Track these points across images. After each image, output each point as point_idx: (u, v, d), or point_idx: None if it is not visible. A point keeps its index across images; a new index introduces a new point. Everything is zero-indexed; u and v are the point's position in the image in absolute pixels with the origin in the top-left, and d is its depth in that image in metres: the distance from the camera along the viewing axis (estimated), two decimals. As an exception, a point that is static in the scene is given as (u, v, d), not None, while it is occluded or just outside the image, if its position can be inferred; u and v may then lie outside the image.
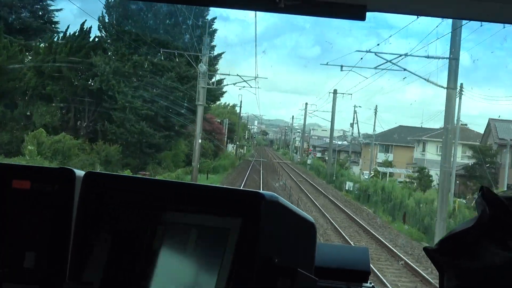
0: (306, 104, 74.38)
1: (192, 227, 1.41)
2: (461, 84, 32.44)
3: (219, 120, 55.26)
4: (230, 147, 62.41)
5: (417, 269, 15.79)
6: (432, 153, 52.24)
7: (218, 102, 63.60)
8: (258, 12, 23.74)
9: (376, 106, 53.43)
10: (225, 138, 56.83)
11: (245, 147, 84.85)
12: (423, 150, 54.89)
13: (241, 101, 70.16)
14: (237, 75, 31.36)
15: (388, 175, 50.45)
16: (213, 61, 34.88)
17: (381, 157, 58.02)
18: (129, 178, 1.57)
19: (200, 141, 26.82)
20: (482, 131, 44.90)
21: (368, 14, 1.46)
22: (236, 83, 29.58)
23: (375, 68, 25.42)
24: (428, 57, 22.62)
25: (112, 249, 1.46)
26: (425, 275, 14.96)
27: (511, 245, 1.23)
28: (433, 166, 44.69)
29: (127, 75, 32.55)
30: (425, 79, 22.57)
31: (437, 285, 1.24)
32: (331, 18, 1.48)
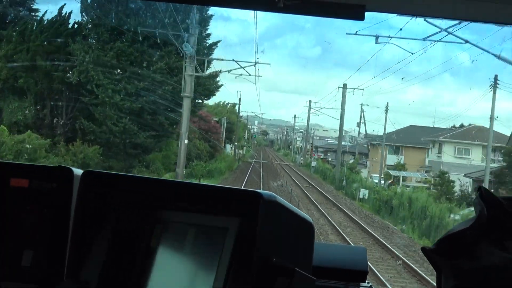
0: (310, 102, 74.29)
1: (190, 227, 1.57)
2: (496, 75, 32.16)
3: (216, 119, 55.56)
4: (229, 148, 62.28)
5: None
6: (450, 155, 52.03)
7: (217, 101, 63.46)
8: (258, 12, 23.96)
9: (387, 103, 53.22)
10: (223, 138, 57.59)
11: (245, 148, 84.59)
12: (439, 152, 54.86)
13: (239, 98, 70.40)
14: (233, 60, 29.56)
15: (401, 179, 50.24)
16: (208, 50, 34.68)
17: (390, 159, 58.15)
18: (128, 177, 1.73)
19: (186, 141, 26.06)
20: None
21: (367, 14, 1.61)
22: (231, 70, 28.10)
23: (425, 39, 22.89)
24: (497, 23, 21.37)
25: (110, 248, 1.62)
26: None
27: (509, 245, 1.36)
28: (450, 169, 45.00)
29: (109, 65, 32.03)
30: (495, 55, 21.60)
31: None
32: (331, 18, 1.63)
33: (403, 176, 51.37)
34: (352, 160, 62.76)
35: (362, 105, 56.19)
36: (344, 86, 48.14)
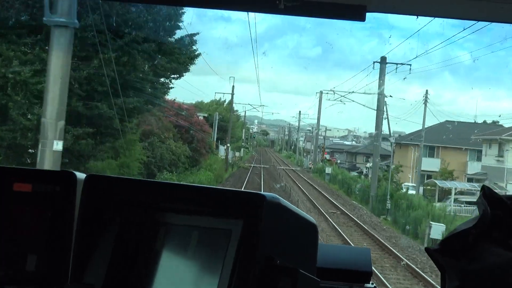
0: (321, 92, 63.14)
1: (193, 229, 1.76)
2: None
3: (205, 114, 49.23)
4: (223, 150, 51.34)
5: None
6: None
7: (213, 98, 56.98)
8: (258, 13, 21.80)
9: (427, 91, 45.48)
10: (214, 138, 51.35)
11: (242, 149, 72.95)
12: (500, 155, 45.49)
13: (233, 86, 58.55)
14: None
15: (453, 192, 40.40)
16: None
17: (425, 163, 49.06)
18: (130, 181, 1.93)
19: (60, 144, 12.73)
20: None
21: (368, 14, 1.68)
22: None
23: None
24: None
25: (115, 251, 1.84)
26: None
27: None
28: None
29: (12, 23, 22.69)
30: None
31: None
32: (332, 19, 1.81)
33: (445, 188, 41.44)
34: (369, 164, 52.07)
35: (385, 96, 43.86)
36: (383, 61, 35.02)
